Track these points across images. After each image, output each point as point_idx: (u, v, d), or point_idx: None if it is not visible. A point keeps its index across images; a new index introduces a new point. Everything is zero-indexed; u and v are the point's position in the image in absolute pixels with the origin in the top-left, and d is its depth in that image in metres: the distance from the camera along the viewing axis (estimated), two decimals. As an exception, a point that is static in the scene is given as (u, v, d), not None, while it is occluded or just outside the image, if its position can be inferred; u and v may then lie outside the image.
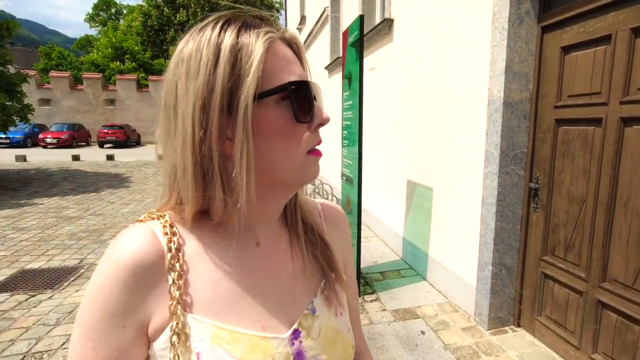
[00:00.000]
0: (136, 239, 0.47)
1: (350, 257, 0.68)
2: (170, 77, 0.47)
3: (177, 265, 0.47)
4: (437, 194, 3.37)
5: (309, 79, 0.51)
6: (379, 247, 4.58)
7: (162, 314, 0.46)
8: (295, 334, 0.52)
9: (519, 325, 2.68)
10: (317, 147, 0.51)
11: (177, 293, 0.46)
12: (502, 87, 2.45)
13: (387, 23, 4.36)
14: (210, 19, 0.48)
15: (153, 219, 0.51)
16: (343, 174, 3.88)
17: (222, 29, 0.45)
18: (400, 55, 4.14)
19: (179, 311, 0.46)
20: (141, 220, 0.51)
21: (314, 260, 0.58)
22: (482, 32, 2.64)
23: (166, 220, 0.50)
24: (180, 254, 0.48)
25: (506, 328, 2.68)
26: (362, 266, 3.85)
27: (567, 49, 2.21)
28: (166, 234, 0.49)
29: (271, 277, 0.54)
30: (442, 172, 3.26)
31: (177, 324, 0.46)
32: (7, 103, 8.85)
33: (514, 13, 2.38)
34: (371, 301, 3.15)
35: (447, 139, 3.18)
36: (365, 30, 4.73)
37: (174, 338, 0.45)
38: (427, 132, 3.54)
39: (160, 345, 0.46)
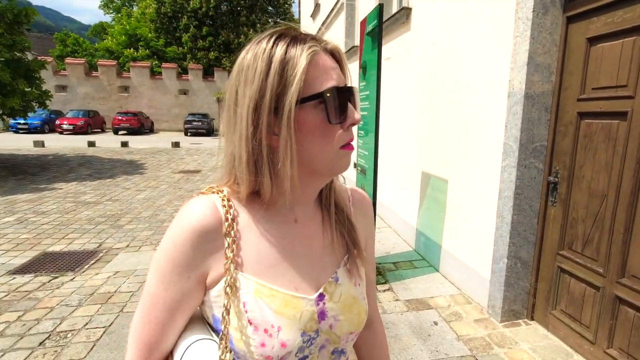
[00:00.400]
0: (201, 208, 0.59)
1: (372, 237, 0.78)
2: (232, 83, 0.58)
3: (232, 232, 0.59)
4: (452, 186, 3.36)
5: (347, 84, 0.59)
6: (392, 237, 4.60)
7: (218, 269, 0.59)
8: (321, 296, 0.63)
9: (532, 319, 2.68)
10: (349, 143, 0.59)
11: (231, 254, 0.58)
12: (524, 79, 2.41)
13: (405, 12, 4.29)
14: (267, 32, 0.57)
15: (213, 192, 0.62)
16: (357, 165, 3.88)
17: (275, 43, 0.55)
18: (418, 45, 4.08)
19: (232, 269, 0.58)
20: (204, 193, 0.62)
21: (341, 237, 0.68)
22: (504, 22, 2.59)
23: (224, 195, 0.61)
24: (234, 224, 0.60)
25: (519, 321, 2.69)
26: (375, 256, 3.87)
27: (593, 40, 2.16)
28: (224, 206, 0.60)
29: (305, 249, 0.64)
30: (458, 164, 3.24)
31: (230, 278, 0.58)
32: (27, 89, 9.02)
33: (539, 3, 2.32)
34: (384, 291, 3.18)
35: (463, 131, 3.15)
36: (382, 19, 4.66)
37: (228, 289, 0.57)
38: (443, 124, 3.51)
39: (215, 293, 0.59)
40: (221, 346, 0.57)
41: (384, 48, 4.94)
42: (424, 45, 3.94)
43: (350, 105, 0.58)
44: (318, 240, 0.66)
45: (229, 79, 0.60)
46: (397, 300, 3.03)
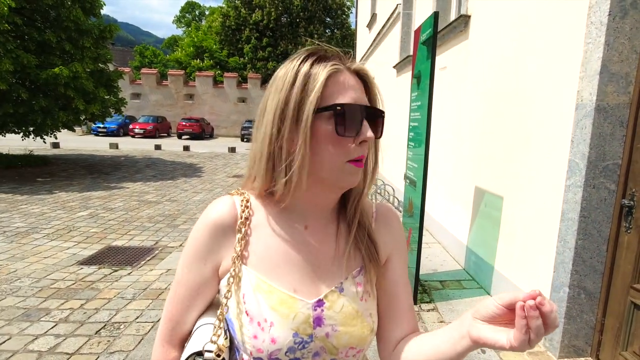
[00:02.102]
0: (221, 206, 0.67)
1: (400, 250, 0.76)
2: (266, 92, 0.65)
3: (243, 229, 0.66)
4: (508, 203, 3.12)
5: (367, 102, 0.63)
6: (440, 254, 4.38)
7: (228, 261, 0.66)
8: (319, 303, 0.65)
9: (597, 358, 2.38)
10: (358, 159, 0.61)
11: (239, 249, 0.65)
12: (595, 90, 2.17)
13: (463, 20, 4.12)
14: (300, 51, 0.64)
15: (238, 194, 0.70)
16: (407, 176, 3.76)
17: (303, 60, 0.61)
18: (476, 54, 3.89)
19: (236, 262, 0.65)
20: (231, 194, 0.71)
21: (356, 251, 0.70)
22: (573, 27, 2.37)
23: (245, 197, 0.69)
24: (247, 222, 0.67)
25: (581, 359, 2.40)
26: (421, 273, 3.71)
27: (681, 47, 1.90)
28: (242, 206, 0.67)
29: (311, 255, 0.67)
30: (516, 180, 3.01)
31: (235, 269, 0.65)
32: (106, 97, 10.03)
33: (616, 5, 2.09)
34: (428, 310, 3.02)
35: (523, 145, 2.92)
36: (439, 28, 4.52)
37: (231, 279, 0.65)
38: (500, 137, 3.29)
39: (224, 282, 0.66)
40: (215, 327, 0.64)
41: (439, 57, 4.78)
42: (482, 54, 3.74)
43: (365, 123, 0.61)
44: (328, 250, 0.69)
45: (266, 90, 0.66)
46: (442, 322, 2.86)
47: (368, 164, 0.68)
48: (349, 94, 0.60)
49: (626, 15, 2.10)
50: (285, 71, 0.62)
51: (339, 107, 0.59)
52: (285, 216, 0.68)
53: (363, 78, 0.64)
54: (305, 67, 0.60)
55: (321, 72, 0.59)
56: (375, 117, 0.63)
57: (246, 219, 0.67)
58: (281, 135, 0.61)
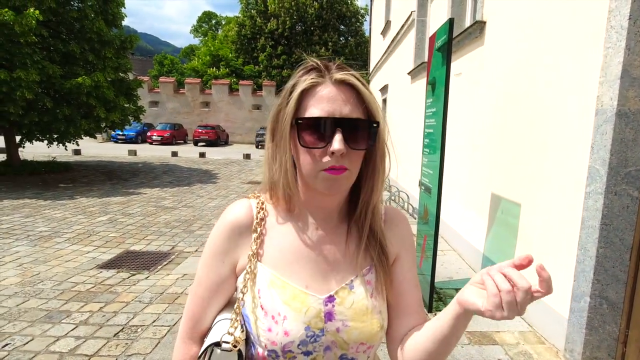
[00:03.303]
0: (239, 208, 0.73)
1: (407, 249, 0.78)
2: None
3: (259, 229, 0.70)
4: (526, 211, 3.06)
5: (341, 114, 0.62)
6: (456, 261, 4.31)
7: (245, 259, 0.70)
8: (330, 299, 0.68)
9: (622, 371, 2.30)
10: (333, 168, 0.62)
11: (254, 247, 0.69)
12: (616, 95, 2.13)
13: (479, 25, 4.10)
14: (303, 64, 0.68)
15: (254, 197, 0.75)
16: (422, 183, 3.74)
17: (299, 71, 0.66)
18: (492, 60, 3.86)
19: (252, 259, 0.69)
20: (248, 197, 0.76)
21: (365, 252, 0.72)
22: (592, 32, 2.34)
23: (260, 200, 0.74)
24: (263, 222, 0.72)
25: (605, 372, 2.32)
26: (436, 281, 3.66)
27: None
28: (257, 208, 0.72)
29: (322, 254, 0.71)
30: (533, 187, 2.95)
31: (251, 266, 0.69)
32: (126, 105, 10.31)
33: (637, 9, 2.06)
34: (444, 319, 2.97)
35: (540, 151, 2.87)
36: (454, 34, 4.50)
37: (247, 276, 0.68)
38: (517, 143, 3.24)
39: (241, 279, 0.70)
40: (232, 320, 0.68)
41: (454, 64, 4.76)
42: (499, 60, 3.71)
43: (338, 134, 0.61)
44: (339, 249, 0.72)
45: None
46: (458, 331, 2.81)
47: (371, 173, 0.69)
48: (322, 106, 0.62)
49: (647, 19, 2.06)
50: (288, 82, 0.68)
51: (300, 121, 0.63)
52: (296, 217, 0.72)
53: (354, 87, 0.64)
54: (294, 79, 0.65)
55: (300, 85, 0.63)
56: (357, 128, 0.63)
57: (262, 219, 0.71)
58: (274, 144, 0.67)
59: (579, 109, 2.45)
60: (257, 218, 0.71)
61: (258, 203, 0.73)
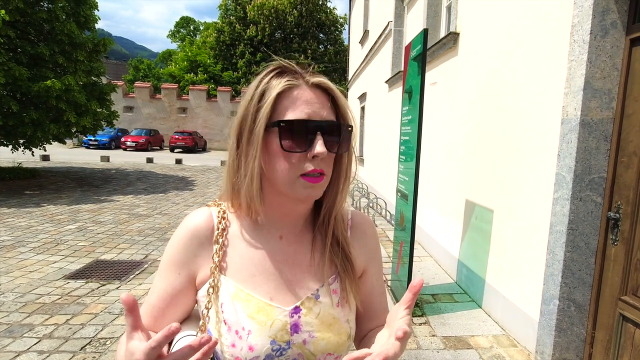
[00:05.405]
0: (199, 216, 0.69)
1: (375, 260, 0.78)
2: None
3: (220, 240, 0.67)
4: (499, 217, 3.15)
5: (320, 117, 0.61)
6: (432, 267, 4.38)
7: (206, 271, 0.66)
8: (296, 310, 0.66)
9: (589, 371, 2.38)
10: (312, 173, 0.61)
11: (217, 259, 0.66)
12: (580, 105, 2.23)
13: (453, 37, 4.22)
14: (267, 67, 0.65)
15: (215, 205, 0.72)
16: (398, 190, 3.78)
17: (266, 75, 0.63)
18: (465, 70, 3.98)
19: (215, 272, 0.65)
20: (208, 205, 0.72)
21: (330, 260, 0.70)
22: (558, 45, 2.45)
23: (222, 208, 0.70)
24: (224, 233, 0.68)
25: (574, 372, 2.39)
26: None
27: (660, 64, 1.97)
28: (218, 217, 0.69)
29: (286, 264, 0.68)
30: (505, 194, 3.04)
31: (214, 280, 0.65)
32: (98, 110, 9.99)
33: (597, 25, 2.17)
34: (420, 324, 3.00)
35: (512, 159, 2.97)
36: (429, 44, 4.63)
37: (210, 290, 0.65)
38: (490, 151, 3.34)
39: (202, 293, 0.67)
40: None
41: (430, 73, 4.88)
42: (472, 71, 3.83)
43: (318, 137, 0.60)
44: (303, 259, 0.70)
45: None
46: (433, 335, 2.84)
47: (337, 177, 0.67)
48: (301, 109, 0.60)
49: (607, 35, 2.18)
50: (249, 87, 0.64)
51: (282, 124, 0.59)
52: (260, 227, 0.69)
53: (328, 91, 0.64)
54: (264, 82, 0.62)
55: (275, 88, 0.61)
56: (334, 131, 0.62)
57: (223, 230, 0.68)
58: (240, 149, 0.63)
59: (547, 119, 2.55)
60: (218, 228, 0.67)
61: (219, 212, 0.69)
